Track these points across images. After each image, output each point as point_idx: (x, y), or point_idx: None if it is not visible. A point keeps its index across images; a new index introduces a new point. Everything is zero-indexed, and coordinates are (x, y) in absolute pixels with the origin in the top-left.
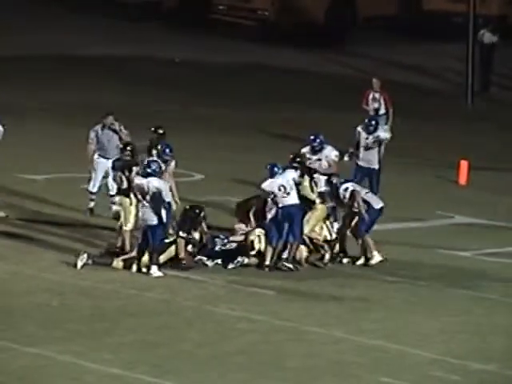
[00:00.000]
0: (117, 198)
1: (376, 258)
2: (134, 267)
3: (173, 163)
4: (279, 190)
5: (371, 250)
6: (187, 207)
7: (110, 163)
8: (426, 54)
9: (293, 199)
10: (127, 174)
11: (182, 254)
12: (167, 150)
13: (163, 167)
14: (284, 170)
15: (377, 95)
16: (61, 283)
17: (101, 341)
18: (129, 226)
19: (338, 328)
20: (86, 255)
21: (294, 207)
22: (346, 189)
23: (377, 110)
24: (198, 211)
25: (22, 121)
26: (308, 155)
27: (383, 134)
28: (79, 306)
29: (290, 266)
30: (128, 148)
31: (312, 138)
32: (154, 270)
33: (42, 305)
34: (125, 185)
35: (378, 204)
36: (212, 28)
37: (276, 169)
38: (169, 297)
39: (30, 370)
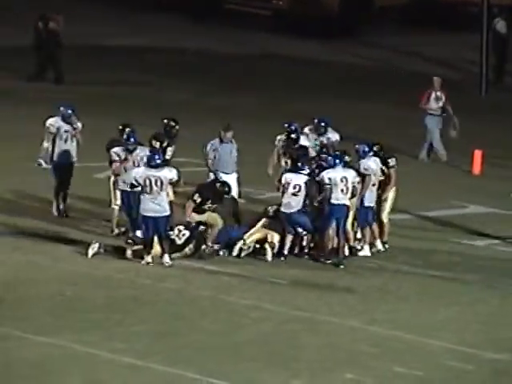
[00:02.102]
0: (112, 178)
1: (365, 251)
2: (149, 259)
3: (140, 152)
4: (341, 181)
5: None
6: (217, 183)
7: (231, 177)
8: (440, 44)
9: (347, 199)
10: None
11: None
12: (132, 140)
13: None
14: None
15: (439, 93)
16: (74, 273)
17: (114, 330)
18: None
19: (351, 318)
20: (97, 244)
21: (346, 208)
22: None
23: (443, 109)
24: (226, 189)
25: (35, 109)
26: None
27: (334, 135)
28: (93, 296)
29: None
30: (127, 130)
31: (286, 125)
32: (167, 260)
33: (56, 294)
34: None
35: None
36: (225, 18)
37: (338, 160)
38: (182, 286)
39: (43, 359)
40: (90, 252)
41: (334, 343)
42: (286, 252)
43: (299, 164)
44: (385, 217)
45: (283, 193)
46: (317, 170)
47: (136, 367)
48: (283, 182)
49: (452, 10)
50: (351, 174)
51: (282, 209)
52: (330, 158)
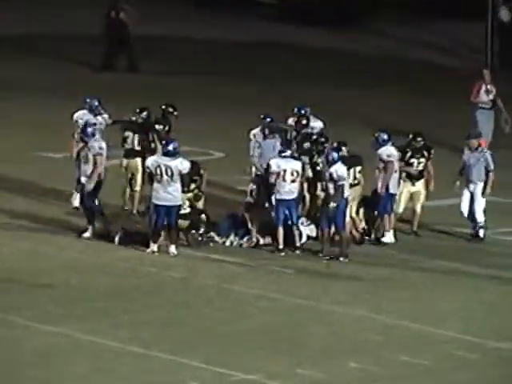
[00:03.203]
0: (125, 161)
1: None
2: (155, 248)
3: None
4: (348, 175)
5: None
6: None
7: None
8: (444, 32)
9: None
10: (142, 136)
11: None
12: (88, 130)
13: None
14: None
15: (489, 87)
16: (80, 261)
17: (119, 319)
18: (138, 188)
19: (357, 307)
20: (120, 232)
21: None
22: None
23: (494, 102)
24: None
25: (46, 99)
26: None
27: (317, 123)
28: (98, 284)
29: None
30: (144, 112)
31: (262, 117)
32: (173, 250)
33: (61, 283)
34: (137, 147)
35: None
36: (232, 6)
37: (336, 155)
38: (188, 275)
39: (49, 347)
40: (116, 239)
41: (339, 332)
42: (281, 246)
43: (280, 148)
44: (419, 207)
45: (278, 180)
46: (320, 159)
47: (142, 356)
48: (276, 169)
49: None
50: (345, 168)
51: (282, 196)
52: (330, 151)
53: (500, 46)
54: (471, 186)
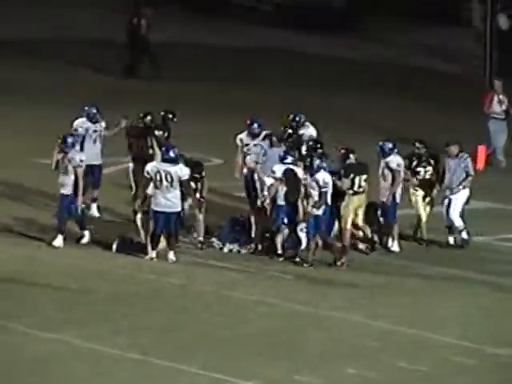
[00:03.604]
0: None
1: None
2: (153, 254)
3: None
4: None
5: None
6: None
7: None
8: (443, 38)
9: None
10: (142, 141)
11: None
12: (68, 140)
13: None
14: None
15: (501, 97)
16: (78, 267)
17: (119, 324)
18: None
19: (355, 312)
20: (117, 240)
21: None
22: None
23: (507, 112)
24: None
25: (47, 104)
26: (247, 141)
27: (307, 131)
28: (97, 290)
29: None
30: (148, 117)
31: (249, 122)
32: (172, 256)
33: (59, 289)
34: (140, 152)
35: None
36: (228, 12)
37: (319, 162)
38: (186, 282)
39: (48, 354)
40: (114, 246)
41: (337, 338)
42: (280, 252)
43: (282, 154)
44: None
45: (279, 186)
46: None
47: (140, 362)
48: (280, 175)
49: (455, 3)
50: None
51: (282, 202)
52: (315, 159)
53: (499, 51)
54: (450, 192)
